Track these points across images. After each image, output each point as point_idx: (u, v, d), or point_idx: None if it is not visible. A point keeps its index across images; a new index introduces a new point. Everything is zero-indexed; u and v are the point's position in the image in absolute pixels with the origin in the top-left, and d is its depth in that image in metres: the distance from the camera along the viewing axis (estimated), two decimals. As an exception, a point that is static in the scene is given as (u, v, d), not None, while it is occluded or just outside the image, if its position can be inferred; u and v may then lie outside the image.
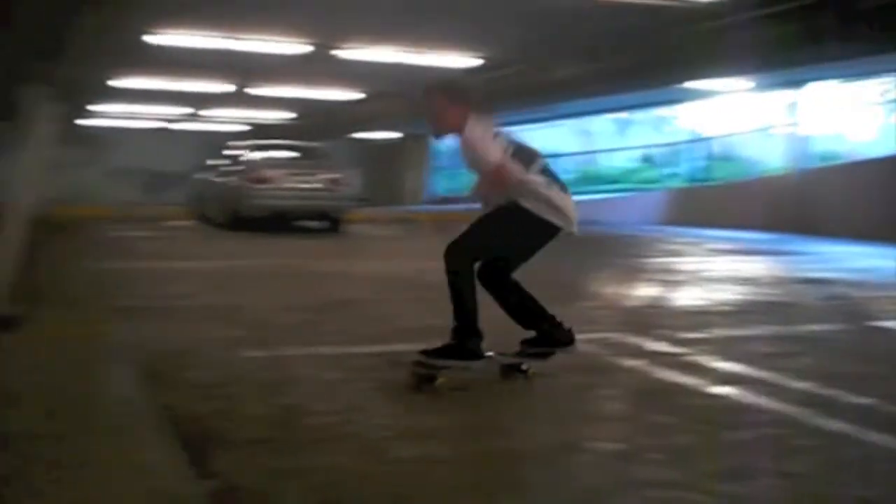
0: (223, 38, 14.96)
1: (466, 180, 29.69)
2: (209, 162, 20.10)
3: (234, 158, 18.40)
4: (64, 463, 3.11)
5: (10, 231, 6.11)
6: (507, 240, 4.71)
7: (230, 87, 21.22)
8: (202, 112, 27.19)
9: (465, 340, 4.58)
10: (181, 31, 14.64)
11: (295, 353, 5.45)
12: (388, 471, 3.34)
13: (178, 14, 13.64)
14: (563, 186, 4.73)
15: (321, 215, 17.32)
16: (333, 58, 16.40)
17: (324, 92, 22.17)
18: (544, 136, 26.13)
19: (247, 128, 30.05)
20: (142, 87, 21.11)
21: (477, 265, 4.66)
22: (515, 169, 4.55)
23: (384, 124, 26.96)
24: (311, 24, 14.36)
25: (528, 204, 4.59)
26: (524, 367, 4.85)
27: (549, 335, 4.77)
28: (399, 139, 31.27)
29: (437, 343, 4.60)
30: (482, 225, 4.74)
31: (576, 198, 4.87)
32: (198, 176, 20.56)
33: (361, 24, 14.20)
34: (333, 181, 17.04)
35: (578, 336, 4.84)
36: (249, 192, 16.48)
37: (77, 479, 2.98)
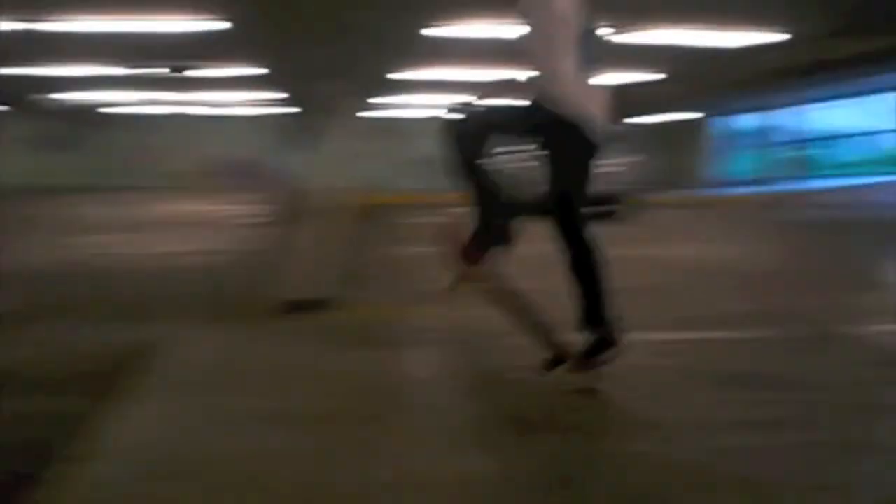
0: (499, 25, 15.10)
1: (747, 163, 28.49)
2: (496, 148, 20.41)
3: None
4: (374, 442, 3.21)
5: (324, 219, 6.44)
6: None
7: (509, 74, 21.44)
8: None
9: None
10: (460, 22, 14.86)
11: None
12: (699, 460, 3.19)
13: (457, 7, 13.88)
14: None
15: (610, 200, 17.16)
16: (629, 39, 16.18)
17: (615, 75, 21.94)
18: (852, 114, 24.64)
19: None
20: (420, 79, 21.76)
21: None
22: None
23: (678, 105, 26.42)
24: (608, 5, 14.21)
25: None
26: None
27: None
28: (690, 121, 30.57)
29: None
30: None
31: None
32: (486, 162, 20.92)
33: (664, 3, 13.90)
34: (623, 165, 16.86)
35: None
36: (534, 176, 16.60)
37: (388, 457, 3.05)
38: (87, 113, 29.76)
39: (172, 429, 3.45)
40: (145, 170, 32.69)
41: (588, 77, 4.09)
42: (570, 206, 4.11)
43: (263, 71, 19.83)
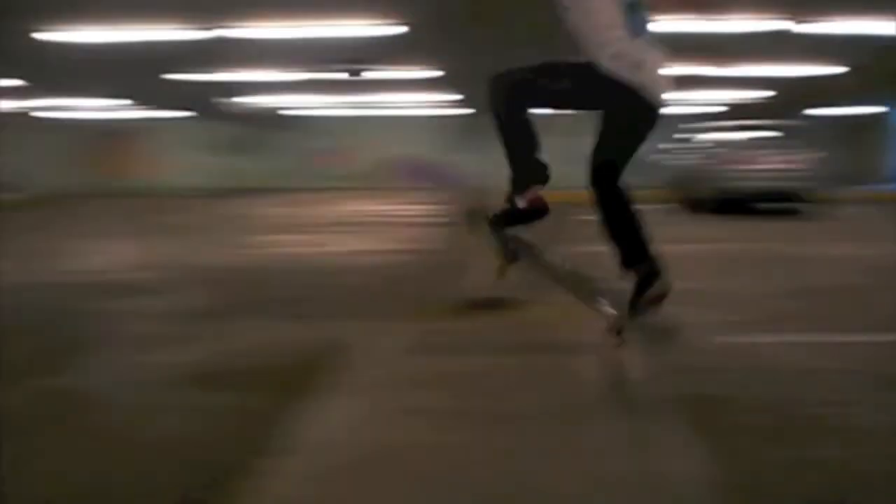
0: (683, 21, 14.81)
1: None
2: (673, 145, 20.11)
3: (702, 140, 18.29)
4: (559, 440, 3.24)
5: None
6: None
7: (696, 70, 21.02)
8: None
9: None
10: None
11: (777, 340, 5.25)
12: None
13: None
14: None
15: (788, 197, 16.64)
16: (806, 31, 15.63)
17: (797, 68, 21.22)
18: None
19: (717, 109, 29.63)
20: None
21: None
22: None
23: (859, 99, 25.31)
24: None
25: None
26: None
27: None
28: (872, 115, 29.22)
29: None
30: None
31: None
32: (664, 158, 20.63)
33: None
34: (802, 161, 16.32)
35: None
36: (717, 173, 16.28)
37: (569, 458, 3.09)
38: (269, 116, 30.92)
39: (364, 425, 3.57)
40: (325, 171, 33.70)
41: (643, 46, 3.96)
42: (613, 173, 4.08)
43: (438, 73, 20.17)
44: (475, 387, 4.11)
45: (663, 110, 3.98)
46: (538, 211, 4.20)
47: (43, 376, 4.75)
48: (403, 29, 14.56)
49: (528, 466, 3.01)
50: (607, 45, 3.88)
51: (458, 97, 25.95)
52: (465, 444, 3.24)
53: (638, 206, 4.11)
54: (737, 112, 26.22)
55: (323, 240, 12.45)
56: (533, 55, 4.25)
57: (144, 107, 27.43)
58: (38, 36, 14.07)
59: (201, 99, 25.42)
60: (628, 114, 3.95)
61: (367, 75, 20.25)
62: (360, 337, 5.06)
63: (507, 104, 4.02)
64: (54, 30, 13.89)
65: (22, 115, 25.42)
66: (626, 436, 3.36)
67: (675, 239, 12.22)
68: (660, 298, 4.12)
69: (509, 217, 4.23)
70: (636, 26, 3.93)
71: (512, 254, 4.21)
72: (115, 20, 13.43)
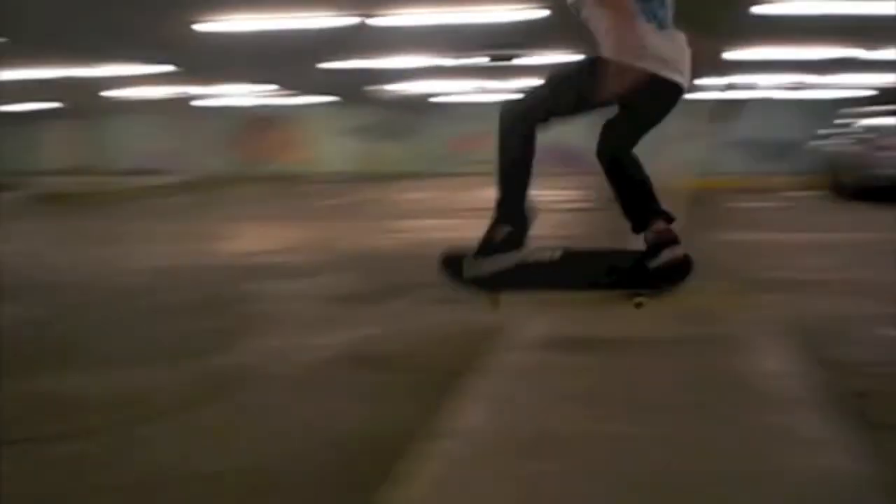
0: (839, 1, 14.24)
1: None
2: (829, 130, 19.42)
3: (857, 125, 17.56)
4: (710, 433, 3.18)
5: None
6: None
7: (852, 52, 20.21)
8: (814, 79, 26.28)
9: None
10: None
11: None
12: None
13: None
14: None
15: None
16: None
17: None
18: None
19: (870, 93, 28.48)
20: (752, 58, 20.94)
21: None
22: None
23: None
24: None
25: None
26: None
27: None
28: None
29: None
30: None
31: None
32: (818, 144, 19.96)
33: None
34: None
35: None
36: (873, 160, 15.60)
37: (727, 450, 3.02)
38: (414, 102, 31.22)
39: (518, 410, 3.57)
40: (468, 156, 33.86)
41: (664, 35, 3.84)
42: (621, 149, 4.00)
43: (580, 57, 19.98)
44: (628, 375, 4.07)
45: (680, 93, 3.89)
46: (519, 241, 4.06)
47: (206, 356, 4.94)
48: (545, 13, 14.48)
49: (686, 457, 2.97)
50: (617, 35, 3.78)
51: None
52: (621, 432, 3.21)
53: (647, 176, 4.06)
54: (888, 96, 25.14)
55: (467, 224, 12.49)
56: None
57: (292, 93, 28.08)
58: (196, 26, 14.55)
59: (348, 85, 25.84)
60: (641, 101, 3.86)
61: (512, 62, 20.22)
62: (511, 321, 5.05)
63: (515, 135, 3.96)
64: (211, 19, 14.34)
65: (177, 102, 26.36)
66: (784, 430, 3.27)
67: (823, 227, 11.87)
68: (677, 267, 4.06)
69: (489, 248, 4.08)
70: (650, 12, 3.83)
71: (497, 286, 4.19)
72: (266, 8, 13.78)
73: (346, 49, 19.58)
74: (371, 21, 14.75)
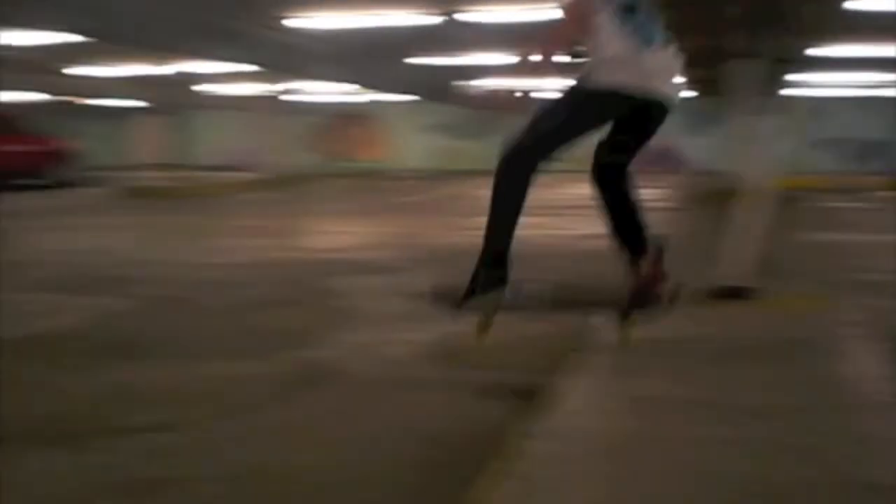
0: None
1: None
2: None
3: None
4: (801, 436, 3.09)
5: (744, 204, 6.30)
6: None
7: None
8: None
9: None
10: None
11: None
12: None
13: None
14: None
15: None
16: None
17: None
18: None
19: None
20: (840, 55, 20.44)
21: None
22: None
23: None
24: None
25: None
26: None
27: None
28: None
29: None
30: None
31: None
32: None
33: None
34: None
35: None
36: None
37: (829, 457, 2.94)
38: (500, 99, 31.15)
39: (609, 410, 3.53)
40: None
41: (649, 50, 3.93)
42: (609, 164, 4.22)
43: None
44: (718, 378, 3.98)
45: (667, 107, 4.00)
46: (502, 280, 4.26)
47: (293, 350, 4.98)
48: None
49: (780, 462, 2.90)
50: (603, 55, 3.95)
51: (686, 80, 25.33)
52: (713, 435, 3.14)
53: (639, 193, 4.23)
54: None
55: (556, 223, 12.42)
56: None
57: (375, 90, 28.24)
58: (284, 22, 14.76)
59: (431, 82, 25.93)
60: (629, 116, 4.01)
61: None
62: (602, 320, 5.00)
63: (510, 173, 4.14)
64: (298, 16, 14.52)
65: (263, 98, 26.70)
66: (880, 435, 3.17)
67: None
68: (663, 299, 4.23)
69: (476, 291, 4.24)
70: (635, 31, 3.92)
71: (488, 314, 4.28)
72: (351, 5, 13.91)
73: (432, 46, 19.65)
74: (457, 17, 14.77)
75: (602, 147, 4.21)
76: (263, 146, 27.60)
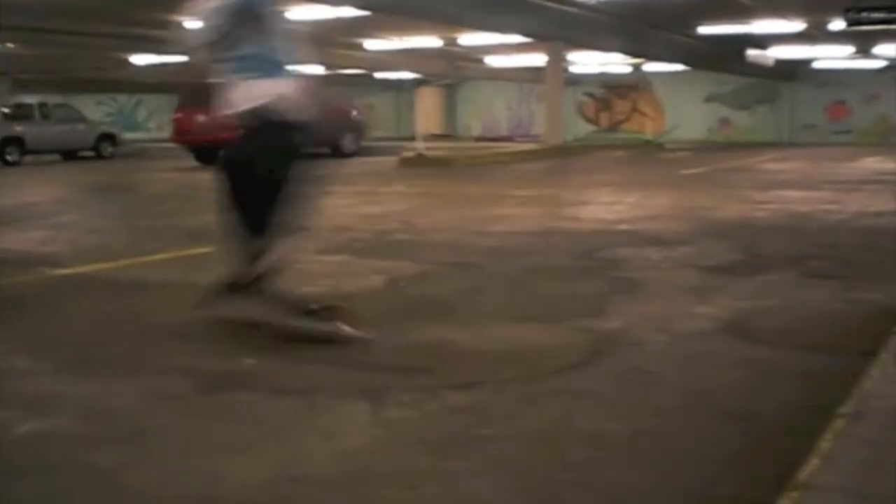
0: None
1: None
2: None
3: None
4: None
5: None
6: None
7: None
8: None
9: None
10: None
11: None
12: None
13: None
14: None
15: None
16: None
17: None
18: None
19: None
20: None
21: None
22: None
23: None
24: None
25: None
26: None
27: None
28: None
29: None
30: None
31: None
32: None
33: None
34: None
35: None
36: None
37: None
38: (782, 69, 29.88)
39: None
40: (833, 125, 32.06)
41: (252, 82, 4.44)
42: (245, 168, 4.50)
43: None
44: None
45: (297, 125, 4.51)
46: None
47: (583, 318, 5.02)
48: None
49: None
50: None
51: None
52: None
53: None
54: None
55: (834, 198, 11.83)
56: None
57: (653, 60, 27.84)
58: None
59: (715, 52, 25.25)
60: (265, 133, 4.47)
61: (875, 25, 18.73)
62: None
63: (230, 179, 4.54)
64: None
65: (537, 70, 26.92)
66: None
67: None
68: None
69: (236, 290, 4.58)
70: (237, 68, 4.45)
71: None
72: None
73: (708, 15, 19.09)
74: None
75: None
76: (538, 117, 27.85)
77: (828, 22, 19.50)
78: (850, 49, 25.83)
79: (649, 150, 26.78)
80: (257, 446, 3.15)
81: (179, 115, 20.03)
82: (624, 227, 8.99)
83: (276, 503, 2.74)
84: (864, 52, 26.47)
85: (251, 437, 3.24)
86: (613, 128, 37.84)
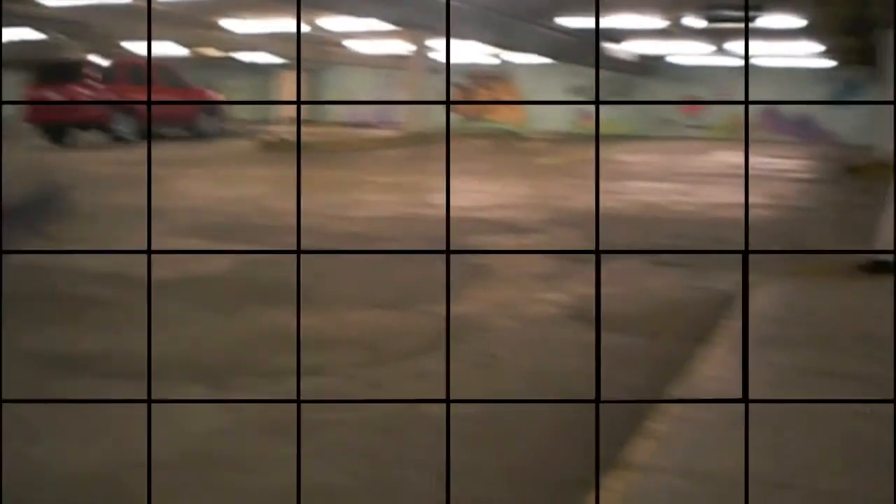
0: None
1: None
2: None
3: None
4: None
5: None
6: None
7: None
8: None
9: None
10: None
11: None
12: None
13: None
14: None
15: None
16: None
17: None
18: None
19: None
20: None
21: None
22: None
23: None
24: None
25: None
26: None
27: None
28: None
29: None
30: None
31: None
32: None
33: None
34: None
35: None
36: None
37: None
38: (636, 63, 30.65)
39: (755, 381, 3.47)
40: (688, 120, 33.10)
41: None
42: None
43: (801, 23, 19.04)
44: (864, 351, 3.87)
45: None
46: None
47: (432, 304, 5.05)
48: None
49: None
50: None
51: (824, 48, 24.43)
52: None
53: None
54: None
55: (686, 189, 12.22)
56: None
57: (511, 51, 28.14)
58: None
59: (570, 45, 25.68)
60: None
61: (733, 24, 19.42)
62: (753, 289, 4.90)
63: None
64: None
65: (401, 57, 26.90)
66: None
67: None
68: None
69: None
70: None
71: None
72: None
73: (572, 8, 19.42)
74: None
75: None
76: (399, 104, 27.82)
77: (684, 17, 20.08)
78: (706, 46, 26.67)
79: (511, 141, 27.12)
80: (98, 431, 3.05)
81: None
82: (481, 214, 9.08)
83: (113, 487, 2.67)
84: (719, 49, 27.35)
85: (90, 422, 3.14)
86: (477, 117, 38.16)
